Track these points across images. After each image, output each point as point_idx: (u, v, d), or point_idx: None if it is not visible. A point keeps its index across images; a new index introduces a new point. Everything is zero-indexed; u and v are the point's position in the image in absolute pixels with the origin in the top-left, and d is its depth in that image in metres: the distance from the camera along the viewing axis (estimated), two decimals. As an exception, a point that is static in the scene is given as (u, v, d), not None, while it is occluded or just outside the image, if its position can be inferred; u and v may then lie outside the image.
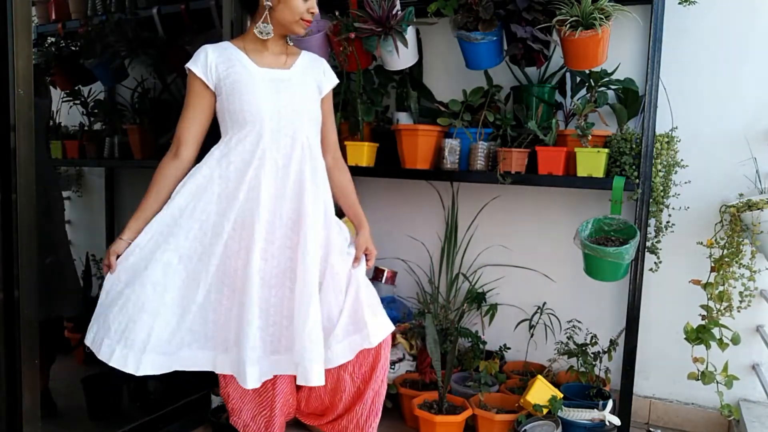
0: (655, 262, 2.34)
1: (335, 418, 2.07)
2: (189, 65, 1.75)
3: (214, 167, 1.74)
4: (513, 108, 2.46)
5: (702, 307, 2.15)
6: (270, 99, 1.73)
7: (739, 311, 2.15)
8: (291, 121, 1.75)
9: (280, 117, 1.74)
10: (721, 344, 2.05)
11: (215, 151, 1.77)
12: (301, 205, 1.75)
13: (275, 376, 1.90)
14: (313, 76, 1.85)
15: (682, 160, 2.30)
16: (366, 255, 1.93)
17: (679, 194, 2.35)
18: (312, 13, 1.77)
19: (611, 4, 2.08)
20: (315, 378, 1.68)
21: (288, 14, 1.74)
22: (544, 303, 2.60)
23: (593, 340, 2.42)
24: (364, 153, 2.52)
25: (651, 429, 2.45)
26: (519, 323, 2.63)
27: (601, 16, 2.05)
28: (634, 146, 2.21)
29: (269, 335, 1.76)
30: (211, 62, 1.73)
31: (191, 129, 1.75)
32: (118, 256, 1.71)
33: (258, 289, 1.71)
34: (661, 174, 2.27)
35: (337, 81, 1.92)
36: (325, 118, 1.88)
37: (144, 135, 2.98)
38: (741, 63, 2.31)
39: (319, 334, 1.71)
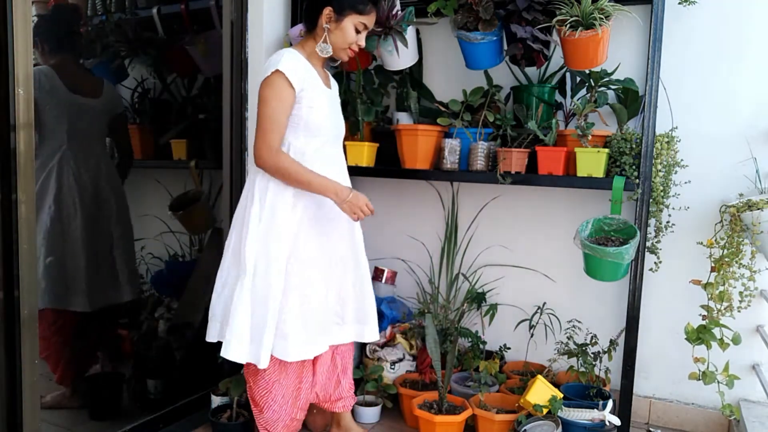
0: (655, 262, 2.34)
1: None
2: (280, 67, 1.80)
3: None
4: (513, 108, 2.46)
5: (702, 307, 2.15)
6: (330, 114, 1.98)
7: (739, 311, 2.15)
8: (340, 131, 2.08)
9: (338, 128, 2.05)
10: (722, 344, 2.04)
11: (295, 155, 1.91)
12: None
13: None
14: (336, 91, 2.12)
15: (682, 160, 2.30)
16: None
17: (679, 194, 2.35)
18: (359, 46, 1.98)
19: (611, 4, 2.08)
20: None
21: (340, 40, 1.94)
22: (544, 303, 2.60)
23: (593, 340, 2.42)
24: (364, 153, 2.52)
25: (651, 429, 2.45)
26: (519, 323, 2.63)
27: (601, 16, 2.05)
28: (634, 146, 2.21)
29: None
30: (298, 67, 1.86)
31: (280, 134, 1.85)
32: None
33: (326, 269, 1.98)
34: (661, 174, 2.27)
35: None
36: None
37: (144, 135, 2.98)
38: (741, 62, 2.31)
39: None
